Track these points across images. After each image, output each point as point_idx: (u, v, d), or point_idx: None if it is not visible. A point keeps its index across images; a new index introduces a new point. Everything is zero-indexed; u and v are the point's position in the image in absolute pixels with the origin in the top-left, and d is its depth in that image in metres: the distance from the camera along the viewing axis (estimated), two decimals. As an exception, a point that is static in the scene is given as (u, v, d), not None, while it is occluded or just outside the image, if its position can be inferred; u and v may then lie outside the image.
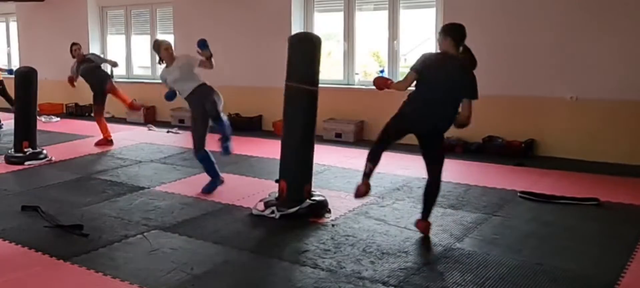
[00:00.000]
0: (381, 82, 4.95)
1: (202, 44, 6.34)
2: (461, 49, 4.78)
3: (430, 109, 4.66)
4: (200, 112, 6.30)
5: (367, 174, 4.93)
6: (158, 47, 6.50)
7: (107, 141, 9.12)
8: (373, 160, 4.92)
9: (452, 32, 4.78)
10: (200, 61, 6.40)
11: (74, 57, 9.31)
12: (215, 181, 6.36)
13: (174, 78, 6.41)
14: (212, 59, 6.40)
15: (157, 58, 6.56)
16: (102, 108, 9.19)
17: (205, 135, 6.30)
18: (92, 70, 9.16)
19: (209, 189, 6.29)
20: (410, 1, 9.38)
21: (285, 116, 5.52)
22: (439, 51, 4.88)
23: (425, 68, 4.69)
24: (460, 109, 4.69)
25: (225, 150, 6.43)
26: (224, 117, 6.43)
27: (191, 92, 6.36)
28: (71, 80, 9.27)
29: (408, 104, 4.76)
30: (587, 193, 5.89)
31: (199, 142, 6.26)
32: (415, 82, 4.72)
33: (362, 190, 4.95)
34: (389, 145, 4.92)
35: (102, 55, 9.83)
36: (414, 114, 4.72)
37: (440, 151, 4.91)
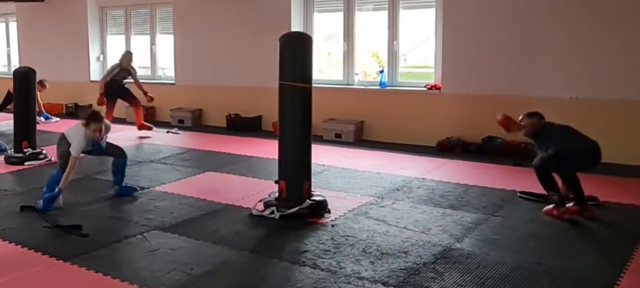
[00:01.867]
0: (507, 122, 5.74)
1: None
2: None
3: None
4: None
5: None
6: (87, 122, 5.86)
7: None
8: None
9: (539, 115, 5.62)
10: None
11: (121, 64, 9.94)
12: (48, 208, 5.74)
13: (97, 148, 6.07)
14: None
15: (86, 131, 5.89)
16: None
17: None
18: (123, 83, 10.05)
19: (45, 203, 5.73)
20: (410, 1, 9.38)
21: (281, 116, 5.53)
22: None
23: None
24: None
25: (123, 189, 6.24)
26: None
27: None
28: (101, 101, 9.98)
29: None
30: (587, 193, 5.88)
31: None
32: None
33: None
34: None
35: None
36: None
37: None
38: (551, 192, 5.37)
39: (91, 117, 5.94)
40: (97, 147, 6.09)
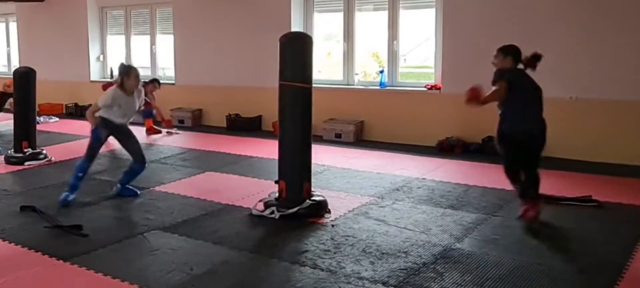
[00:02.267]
0: (474, 94, 5.12)
1: (149, 114, 6.18)
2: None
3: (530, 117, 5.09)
4: (105, 137, 6.07)
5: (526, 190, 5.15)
6: (128, 71, 5.97)
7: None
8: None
9: (513, 52, 5.33)
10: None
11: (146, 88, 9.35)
12: (69, 197, 5.91)
13: (126, 108, 6.01)
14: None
15: (119, 81, 6.00)
16: None
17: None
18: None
19: (63, 200, 5.88)
20: (410, 1, 9.39)
21: (281, 115, 5.53)
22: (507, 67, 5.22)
23: (513, 79, 5.09)
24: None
25: (128, 191, 6.23)
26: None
27: (125, 124, 6.14)
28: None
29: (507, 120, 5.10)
30: (587, 194, 5.89)
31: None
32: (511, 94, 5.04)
33: (535, 213, 5.11)
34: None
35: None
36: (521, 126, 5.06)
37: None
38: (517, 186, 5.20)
39: (128, 67, 6.03)
40: (127, 119, 6.07)
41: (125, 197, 6.13)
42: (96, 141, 6.01)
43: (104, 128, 5.94)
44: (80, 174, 5.99)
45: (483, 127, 8.19)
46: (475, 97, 5.09)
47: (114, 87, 6.01)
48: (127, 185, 6.22)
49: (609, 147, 7.49)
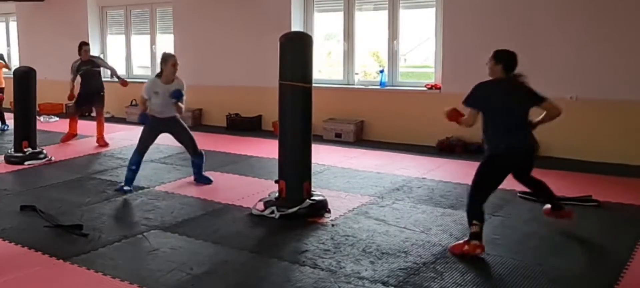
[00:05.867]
0: (452, 117, 4.73)
1: (178, 94, 6.31)
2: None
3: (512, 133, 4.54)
4: (156, 132, 6.50)
5: (477, 234, 4.44)
6: (166, 60, 6.39)
7: (73, 136, 9.59)
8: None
9: (505, 60, 4.72)
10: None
11: (80, 55, 9.29)
12: (124, 188, 6.38)
13: (164, 96, 6.30)
14: (182, 106, 6.45)
15: (160, 70, 6.46)
16: (79, 112, 9.72)
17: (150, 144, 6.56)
18: (93, 74, 9.27)
19: (123, 187, 6.39)
20: (410, 1, 9.38)
21: (281, 115, 5.53)
22: (490, 78, 4.73)
23: (485, 98, 4.60)
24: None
25: (202, 179, 6.75)
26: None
27: (170, 117, 6.45)
28: (71, 96, 9.40)
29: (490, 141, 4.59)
30: (587, 194, 5.88)
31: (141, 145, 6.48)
32: (485, 115, 4.58)
33: (477, 252, 4.42)
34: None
35: (105, 60, 9.86)
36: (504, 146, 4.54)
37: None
38: (474, 221, 4.47)
39: (165, 57, 6.42)
40: (170, 108, 6.34)
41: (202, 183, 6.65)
42: (143, 131, 6.53)
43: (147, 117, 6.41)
44: (134, 167, 6.41)
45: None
46: (454, 119, 4.74)
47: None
48: (201, 174, 6.71)
49: (609, 147, 7.49)
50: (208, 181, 6.68)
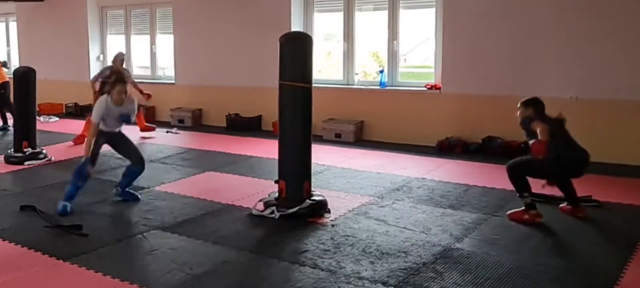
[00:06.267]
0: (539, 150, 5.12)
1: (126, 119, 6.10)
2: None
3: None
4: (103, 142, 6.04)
5: (532, 204, 5.26)
6: (114, 84, 5.96)
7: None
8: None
9: (533, 104, 5.48)
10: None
11: (113, 67, 9.44)
12: (68, 197, 5.73)
13: (113, 118, 5.97)
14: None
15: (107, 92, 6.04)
16: None
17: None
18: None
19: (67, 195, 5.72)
20: (410, 1, 9.38)
21: (281, 115, 5.53)
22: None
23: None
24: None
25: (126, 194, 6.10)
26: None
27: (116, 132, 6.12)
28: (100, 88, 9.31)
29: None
30: (587, 194, 5.88)
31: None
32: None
33: (538, 219, 5.22)
34: None
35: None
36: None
37: None
38: (525, 194, 5.25)
39: (116, 80, 6.03)
40: (118, 125, 6.01)
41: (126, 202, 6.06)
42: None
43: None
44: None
45: (483, 127, 8.20)
46: (541, 151, 5.12)
47: (104, 97, 5.94)
48: (127, 189, 6.09)
49: (609, 147, 7.48)
50: (135, 198, 6.05)
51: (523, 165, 5.31)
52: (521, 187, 5.26)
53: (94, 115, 5.89)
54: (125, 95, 5.94)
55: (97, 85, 9.40)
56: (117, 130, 6.10)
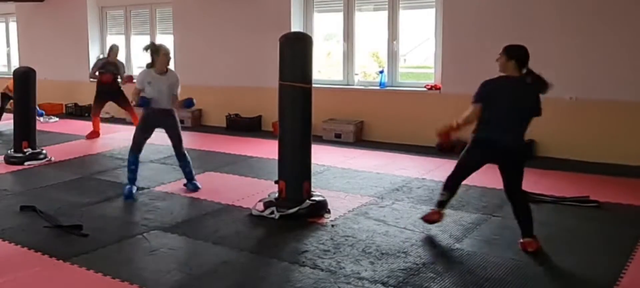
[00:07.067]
0: (445, 138, 4.91)
1: (189, 103, 6.33)
2: (524, 71, 4.74)
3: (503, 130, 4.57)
4: (149, 126, 6.35)
5: (442, 203, 4.99)
6: (157, 50, 6.35)
7: (98, 134, 9.85)
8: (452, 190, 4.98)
9: (517, 55, 4.76)
10: (175, 96, 6.34)
11: (108, 56, 9.90)
12: (130, 187, 6.25)
13: (158, 88, 6.18)
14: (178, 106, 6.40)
15: (150, 60, 6.35)
16: (100, 109, 9.99)
17: (143, 142, 6.37)
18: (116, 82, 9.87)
19: (125, 194, 6.18)
20: (410, 1, 9.38)
21: (281, 115, 5.53)
22: (501, 74, 4.74)
23: (490, 93, 4.68)
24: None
25: (194, 187, 6.44)
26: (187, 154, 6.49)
27: (165, 110, 6.28)
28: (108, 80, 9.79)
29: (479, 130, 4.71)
30: (587, 194, 5.89)
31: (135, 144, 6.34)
32: (485, 107, 4.64)
33: (435, 218, 5.02)
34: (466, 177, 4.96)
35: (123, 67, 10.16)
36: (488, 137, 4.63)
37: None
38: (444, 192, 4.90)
39: (155, 47, 6.43)
40: (167, 100, 6.22)
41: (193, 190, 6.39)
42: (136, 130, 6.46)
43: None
44: (133, 167, 6.31)
45: (483, 127, 8.18)
46: (446, 139, 4.93)
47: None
48: (193, 184, 6.44)
49: (609, 147, 7.49)
50: (195, 188, 6.40)
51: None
52: (443, 184, 4.99)
53: (137, 82, 6.31)
54: (168, 60, 6.32)
55: (97, 74, 9.79)
56: (168, 107, 6.28)
